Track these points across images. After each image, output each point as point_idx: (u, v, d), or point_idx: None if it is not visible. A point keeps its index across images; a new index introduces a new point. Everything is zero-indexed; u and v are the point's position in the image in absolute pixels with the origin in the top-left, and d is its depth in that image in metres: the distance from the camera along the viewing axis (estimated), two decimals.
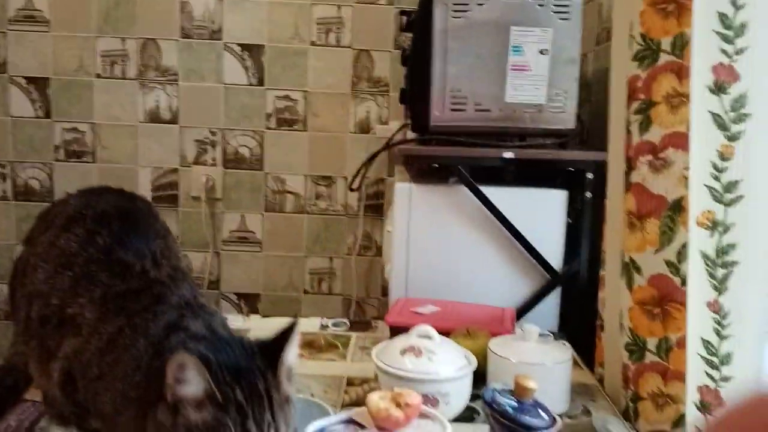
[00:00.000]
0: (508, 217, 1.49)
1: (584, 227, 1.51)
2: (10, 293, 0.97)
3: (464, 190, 1.49)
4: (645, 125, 1.08)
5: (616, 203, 1.18)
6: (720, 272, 1.01)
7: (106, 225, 0.89)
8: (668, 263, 1.05)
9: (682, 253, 1.03)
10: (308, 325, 1.46)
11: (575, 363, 1.26)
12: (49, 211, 0.99)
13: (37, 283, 0.88)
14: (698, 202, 1.01)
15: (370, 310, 2.45)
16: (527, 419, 0.89)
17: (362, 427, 0.85)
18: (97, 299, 0.82)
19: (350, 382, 1.16)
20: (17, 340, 0.96)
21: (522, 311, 1.50)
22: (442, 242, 1.52)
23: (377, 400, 0.84)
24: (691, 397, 1.02)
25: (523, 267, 1.52)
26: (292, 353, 0.77)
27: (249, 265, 2.42)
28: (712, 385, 1.01)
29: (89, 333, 0.80)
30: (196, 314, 0.81)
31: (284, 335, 0.77)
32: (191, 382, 0.69)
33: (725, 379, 1.01)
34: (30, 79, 2.29)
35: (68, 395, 0.83)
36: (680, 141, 1.03)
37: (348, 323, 1.49)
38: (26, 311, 0.89)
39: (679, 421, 1.04)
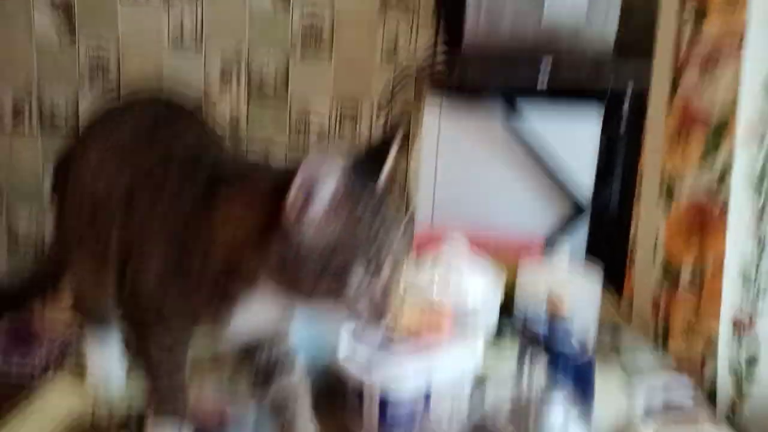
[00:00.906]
0: (539, 139, 1.44)
1: (619, 151, 1.46)
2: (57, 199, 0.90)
3: (496, 115, 1.44)
4: (696, 31, 1.01)
5: (658, 119, 1.13)
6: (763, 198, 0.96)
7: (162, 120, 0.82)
8: (709, 185, 1.01)
9: (725, 176, 0.98)
10: None
11: (604, 295, 1.23)
12: (111, 111, 0.89)
13: (96, 183, 0.79)
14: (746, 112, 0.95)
15: None
16: (559, 345, 0.88)
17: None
18: (142, 176, 0.74)
19: None
20: (58, 243, 0.94)
21: (548, 243, 1.47)
22: (470, 169, 1.48)
23: (410, 314, 0.83)
24: (725, 326, 0.99)
25: (551, 195, 1.49)
26: (389, 164, 0.68)
27: None
28: (746, 318, 0.98)
29: (135, 207, 0.73)
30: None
31: (384, 145, 0.68)
32: (327, 187, 0.59)
33: (759, 312, 0.98)
34: (55, 4, 2.25)
35: (122, 287, 0.74)
36: (733, 47, 0.97)
37: None
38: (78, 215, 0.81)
39: (711, 350, 1.01)
